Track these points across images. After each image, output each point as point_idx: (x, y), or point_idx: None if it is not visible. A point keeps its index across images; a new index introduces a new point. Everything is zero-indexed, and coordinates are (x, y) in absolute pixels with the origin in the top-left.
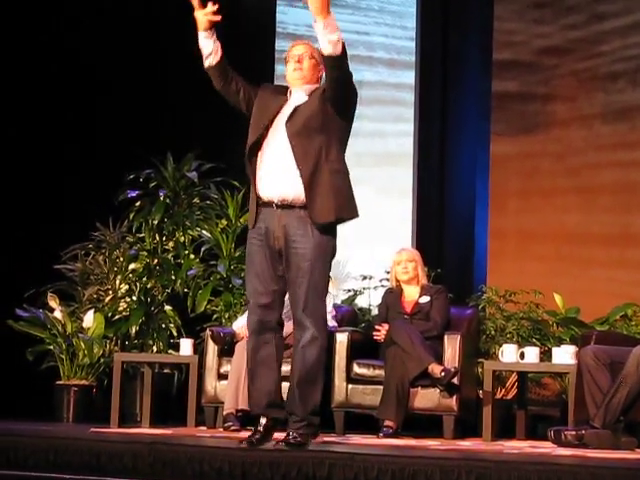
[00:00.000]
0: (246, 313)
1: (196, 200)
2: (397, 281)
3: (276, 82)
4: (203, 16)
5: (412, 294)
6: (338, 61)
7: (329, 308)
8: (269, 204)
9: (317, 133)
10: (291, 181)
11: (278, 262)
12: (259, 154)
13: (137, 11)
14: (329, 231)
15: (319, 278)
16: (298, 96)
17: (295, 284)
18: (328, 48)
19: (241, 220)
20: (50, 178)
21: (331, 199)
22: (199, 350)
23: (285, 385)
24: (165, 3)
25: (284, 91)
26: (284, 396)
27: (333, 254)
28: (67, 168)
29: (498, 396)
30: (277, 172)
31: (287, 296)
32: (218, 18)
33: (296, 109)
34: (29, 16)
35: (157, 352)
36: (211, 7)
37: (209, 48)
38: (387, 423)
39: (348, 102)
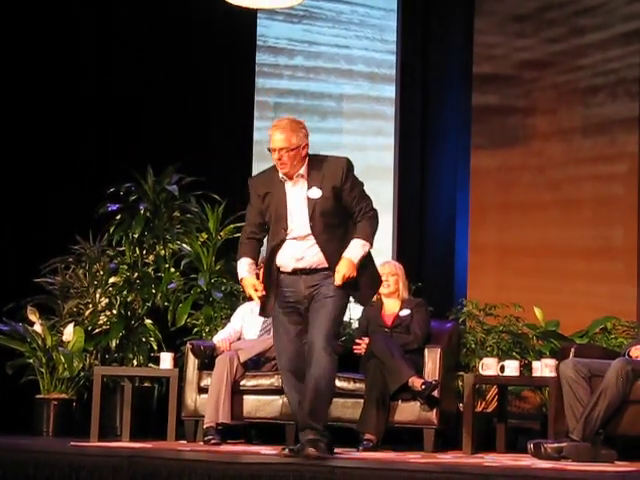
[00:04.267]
0: (226, 327)
1: (176, 213)
2: (378, 294)
3: (256, 95)
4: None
5: (392, 307)
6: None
7: None
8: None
9: (337, 227)
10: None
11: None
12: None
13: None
14: None
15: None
16: (302, 185)
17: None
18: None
19: (221, 234)
20: (30, 191)
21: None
22: (179, 364)
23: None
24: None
25: (274, 173)
26: None
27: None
28: (47, 181)
29: (478, 409)
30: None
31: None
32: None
33: (314, 205)
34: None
35: (137, 366)
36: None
37: None
38: (367, 436)
39: None
